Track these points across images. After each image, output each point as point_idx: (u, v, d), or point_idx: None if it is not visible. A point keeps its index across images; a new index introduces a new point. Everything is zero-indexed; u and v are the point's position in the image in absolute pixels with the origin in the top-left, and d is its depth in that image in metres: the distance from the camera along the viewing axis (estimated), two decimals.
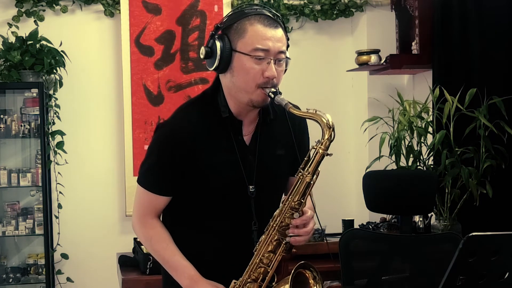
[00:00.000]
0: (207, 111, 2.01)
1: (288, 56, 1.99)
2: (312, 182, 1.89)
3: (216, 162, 1.98)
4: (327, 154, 1.87)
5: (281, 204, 1.94)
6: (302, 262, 1.90)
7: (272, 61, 1.91)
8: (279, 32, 1.94)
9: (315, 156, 1.87)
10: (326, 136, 1.86)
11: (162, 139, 2.02)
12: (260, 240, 1.93)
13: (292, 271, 1.86)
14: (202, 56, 1.99)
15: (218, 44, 1.93)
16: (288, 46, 2.00)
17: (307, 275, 1.91)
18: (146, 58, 4.42)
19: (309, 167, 1.88)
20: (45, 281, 4.24)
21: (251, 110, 2.01)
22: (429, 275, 2.69)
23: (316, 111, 1.88)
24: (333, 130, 1.86)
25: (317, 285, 1.91)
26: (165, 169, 2.00)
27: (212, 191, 2.00)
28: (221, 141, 2.00)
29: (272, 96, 1.90)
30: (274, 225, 1.91)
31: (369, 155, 4.29)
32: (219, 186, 2.00)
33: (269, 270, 1.92)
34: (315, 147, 1.87)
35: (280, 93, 1.91)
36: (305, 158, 1.90)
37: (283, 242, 1.91)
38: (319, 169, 1.89)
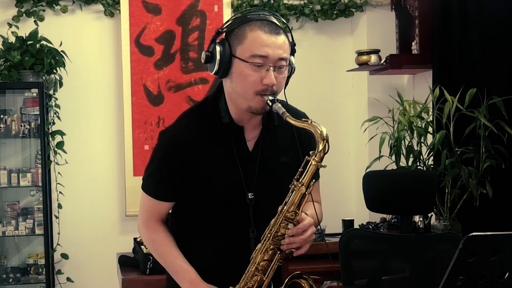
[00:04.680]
0: (208, 117, 2.01)
1: (291, 64, 1.96)
2: (306, 193, 1.88)
3: (216, 169, 1.98)
4: (321, 166, 1.87)
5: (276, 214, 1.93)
6: (297, 272, 1.90)
7: (271, 68, 1.90)
8: (281, 39, 1.92)
9: (309, 168, 1.86)
10: (320, 148, 1.84)
11: (163, 146, 2.03)
12: (256, 248, 1.93)
13: (285, 281, 1.86)
14: (202, 61, 1.98)
15: (218, 49, 1.92)
16: (294, 51, 1.99)
17: (302, 284, 1.91)
18: (146, 58, 4.42)
19: (303, 178, 1.87)
20: (45, 281, 4.24)
21: (253, 116, 2.00)
22: (429, 275, 2.69)
23: (311, 122, 1.86)
24: (327, 142, 1.84)
25: None
26: (167, 176, 2.00)
27: (212, 197, 2.00)
28: (222, 147, 1.99)
29: (270, 104, 1.89)
30: (269, 234, 1.90)
31: (369, 155, 4.29)
32: (219, 193, 1.99)
33: (264, 278, 1.91)
34: (309, 158, 1.86)
35: (278, 101, 1.90)
36: (300, 169, 1.89)
37: (278, 252, 1.91)
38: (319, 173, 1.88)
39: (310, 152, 1.87)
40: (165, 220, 2.11)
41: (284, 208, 1.88)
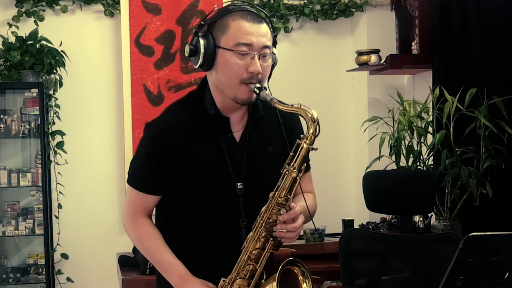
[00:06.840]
0: (194, 110, 2.02)
1: (274, 52, 1.98)
2: (298, 178, 1.88)
3: (204, 160, 1.99)
4: (313, 149, 1.86)
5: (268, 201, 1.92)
6: (290, 258, 1.90)
7: (256, 56, 1.91)
8: (263, 27, 1.94)
9: (300, 151, 1.86)
10: (311, 131, 1.84)
11: (149, 139, 2.03)
12: (248, 237, 1.93)
13: (279, 267, 1.86)
14: (186, 55, 2.00)
15: (201, 41, 1.94)
16: (276, 42, 2.00)
17: (295, 271, 1.91)
18: (146, 58, 4.42)
19: (295, 162, 1.87)
20: (45, 281, 4.24)
21: (239, 107, 2.01)
22: (429, 275, 2.69)
23: (300, 105, 1.86)
24: (318, 124, 1.84)
25: (306, 280, 1.90)
26: (153, 168, 2.00)
27: (200, 188, 2.00)
28: (209, 139, 2.00)
29: (257, 91, 1.89)
30: (261, 221, 1.90)
31: (369, 155, 4.29)
32: (207, 184, 1.99)
33: (257, 267, 1.91)
34: (300, 142, 1.86)
35: (265, 89, 1.91)
36: (291, 153, 1.88)
37: (271, 239, 1.90)
38: (310, 164, 1.87)
39: (301, 135, 1.87)
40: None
41: (276, 194, 1.88)
